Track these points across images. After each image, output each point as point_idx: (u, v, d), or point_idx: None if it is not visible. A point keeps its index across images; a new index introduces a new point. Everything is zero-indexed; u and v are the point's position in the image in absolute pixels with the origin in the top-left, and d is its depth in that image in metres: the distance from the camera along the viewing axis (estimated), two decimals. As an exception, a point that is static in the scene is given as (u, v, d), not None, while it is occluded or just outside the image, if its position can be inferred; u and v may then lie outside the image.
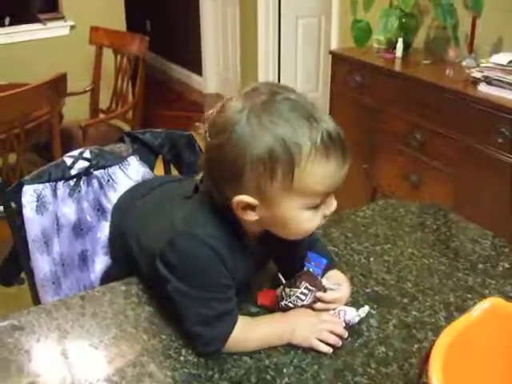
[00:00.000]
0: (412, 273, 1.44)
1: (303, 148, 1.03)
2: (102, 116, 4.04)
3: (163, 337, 1.22)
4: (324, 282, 1.25)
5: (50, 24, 4.58)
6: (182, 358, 1.16)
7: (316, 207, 1.11)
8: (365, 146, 3.46)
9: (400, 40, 3.42)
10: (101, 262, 1.64)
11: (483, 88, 2.84)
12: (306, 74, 5.25)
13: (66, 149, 2.66)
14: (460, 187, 2.94)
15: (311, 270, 1.24)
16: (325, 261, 1.26)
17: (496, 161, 2.73)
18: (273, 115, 1.04)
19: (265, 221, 1.13)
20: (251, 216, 1.12)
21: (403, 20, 3.43)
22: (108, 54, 4.03)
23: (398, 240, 1.58)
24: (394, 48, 3.44)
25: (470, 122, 2.83)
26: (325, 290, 1.24)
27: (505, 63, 2.80)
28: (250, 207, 1.10)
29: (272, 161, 1.04)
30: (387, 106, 3.28)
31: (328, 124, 1.07)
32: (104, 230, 1.60)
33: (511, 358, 0.95)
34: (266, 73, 5.29)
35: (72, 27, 4.63)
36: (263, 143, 1.03)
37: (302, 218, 1.11)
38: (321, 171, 1.06)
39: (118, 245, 1.50)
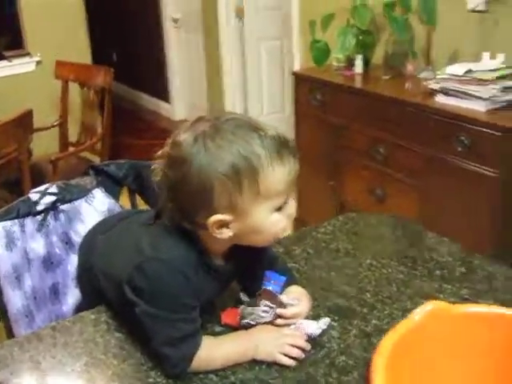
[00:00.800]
0: (371, 283, 1.49)
1: (260, 156, 1.14)
2: (71, 149, 4.07)
3: (132, 361, 1.26)
4: (284, 298, 1.30)
5: (16, 61, 4.61)
6: (151, 380, 1.20)
7: (280, 208, 1.20)
8: (330, 162, 3.53)
9: (359, 57, 3.50)
10: (72, 295, 1.67)
11: (441, 99, 2.93)
12: (271, 96, 5.32)
13: (37, 184, 2.66)
14: (425, 197, 3.01)
15: (270, 288, 1.29)
16: (284, 278, 1.31)
17: (458, 169, 2.80)
18: (224, 135, 1.15)
19: (239, 234, 1.21)
20: (226, 233, 1.19)
21: (360, 37, 3.51)
22: (74, 87, 4.07)
23: (357, 253, 1.64)
24: (354, 65, 3.52)
25: (430, 133, 2.92)
26: (285, 306, 1.29)
27: (460, 74, 2.87)
28: (224, 225, 1.18)
29: (237, 175, 1.13)
30: (350, 122, 3.36)
31: (272, 131, 1.18)
32: (74, 263, 1.64)
33: (454, 360, 1.00)
34: (232, 96, 5.36)
35: (38, 63, 4.66)
36: (225, 162, 1.13)
37: (271, 221, 1.20)
38: (279, 172, 1.16)
39: (85, 279, 1.54)
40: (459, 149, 2.77)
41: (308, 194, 3.70)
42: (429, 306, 1.00)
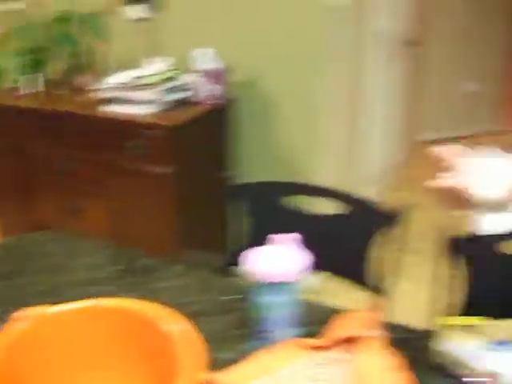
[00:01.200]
0: (24, 300, 1.59)
1: None
2: None
3: None
4: None
5: None
6: None
7: None
8: (23, 189, 3.52)
9: (34, 76, 3.55)
10: None
11: (111, 108, 3.08)
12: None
13: None
14: (114, 206, 3.18)
15: None
16: None
17: (137, 173, 3.00)
18: None
19: None
20: None
21: (32, 57, 3.55)
22: None
23: (18, 273, 1.75)
24: (31, 85, 3.56)
25: (104, 142, 3.07)
26: None
27: (126, 81, 3.05)
28: None
29: None
30: (32, 143, 3.34)
31: None
32: None
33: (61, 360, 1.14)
34: None
35: None
36: None
37: None
38: None
39: None
40: (135, 153, 2.95)
41: (9, 226, 3.69)
42: (27, 312, 1.14)
